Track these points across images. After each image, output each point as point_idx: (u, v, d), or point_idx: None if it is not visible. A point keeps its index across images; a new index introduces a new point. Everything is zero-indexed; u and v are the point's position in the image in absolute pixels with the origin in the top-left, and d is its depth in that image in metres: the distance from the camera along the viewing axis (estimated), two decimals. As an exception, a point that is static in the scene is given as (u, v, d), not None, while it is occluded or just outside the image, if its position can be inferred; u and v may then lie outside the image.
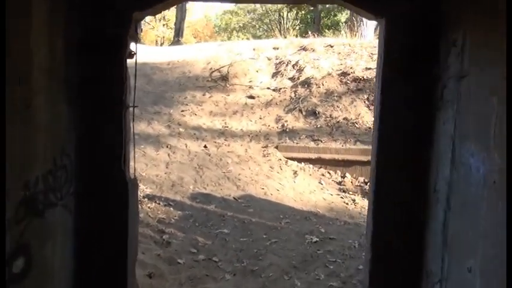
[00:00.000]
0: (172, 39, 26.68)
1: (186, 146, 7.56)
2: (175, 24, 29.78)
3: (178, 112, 8.99)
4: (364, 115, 8.63)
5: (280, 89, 9.95)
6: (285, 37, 13.14)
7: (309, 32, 12.61)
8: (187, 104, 9.42)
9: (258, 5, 52.77)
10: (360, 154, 7.52)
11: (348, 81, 9.68)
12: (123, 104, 3.02)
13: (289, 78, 10.30)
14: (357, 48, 10.99)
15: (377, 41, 11.17)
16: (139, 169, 6.42)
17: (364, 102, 9.05)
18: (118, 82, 3.00)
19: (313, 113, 8.93)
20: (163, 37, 40.32)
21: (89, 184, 2.98)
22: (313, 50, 11.15)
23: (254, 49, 11.78)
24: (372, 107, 8.87)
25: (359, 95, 9.25)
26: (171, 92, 9.92)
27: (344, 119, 8.62)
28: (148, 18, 47.23)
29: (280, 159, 7.53)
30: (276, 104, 9.50)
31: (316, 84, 9.73)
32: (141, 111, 8.62)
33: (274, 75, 10.59)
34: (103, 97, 3.01)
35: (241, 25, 49.19)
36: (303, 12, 35.08)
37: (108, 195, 3.04)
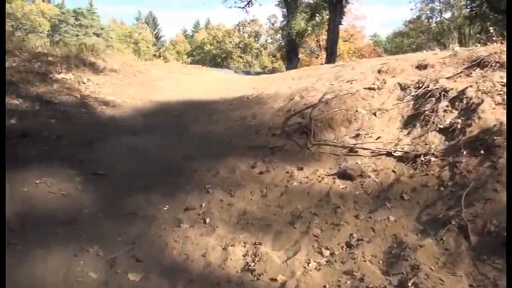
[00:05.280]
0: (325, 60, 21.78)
1: None
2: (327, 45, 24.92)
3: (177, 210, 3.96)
4: None
5: (418, 156, 4.00)
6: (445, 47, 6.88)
7: (491, 30, 6.14)
8: (208, 192, 4.30)
9: (433, 24, 44.97)
10: None
11: None
12: None
13: (442, 131, 4.26)
14: None
15: None
16: None
17: None
18: None
19: None
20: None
21: None
22: (501, 66, 4.81)
23: (380, 71, 6.00)
24: None
25: None
26: (195, 160, 4.97)
27: None
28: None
29: None
30: (404, 199, 3.63)
31: (515, 150, 3.51)
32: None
33: (409, 122, 4.66)
34: None
35: (414, 47, 41.88)
36: (489, 23, 26.51)
37: None
